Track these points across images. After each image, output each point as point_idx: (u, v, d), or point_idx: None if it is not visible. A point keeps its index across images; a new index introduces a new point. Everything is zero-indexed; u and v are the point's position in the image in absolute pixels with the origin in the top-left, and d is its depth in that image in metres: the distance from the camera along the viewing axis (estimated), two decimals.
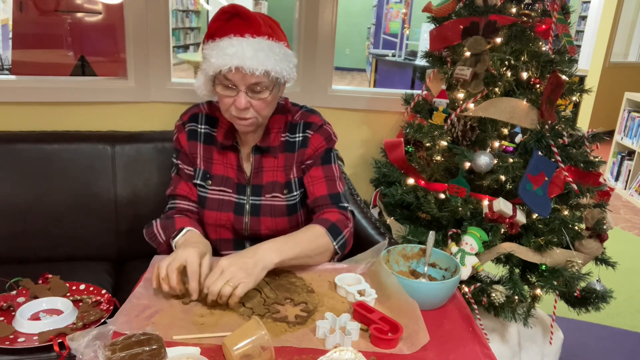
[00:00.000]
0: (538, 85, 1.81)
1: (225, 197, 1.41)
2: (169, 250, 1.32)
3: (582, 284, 1.85)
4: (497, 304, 1.71)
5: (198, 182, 1.42)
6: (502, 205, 1.65)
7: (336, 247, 1.32)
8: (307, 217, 1.48)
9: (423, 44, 6.07)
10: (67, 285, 1.53)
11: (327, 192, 1.39)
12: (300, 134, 1.41)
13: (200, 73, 1.30)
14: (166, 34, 1.99)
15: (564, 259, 1.74)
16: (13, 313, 1.37)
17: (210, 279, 1.09)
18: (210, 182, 1.41)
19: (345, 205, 1.41)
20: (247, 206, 1.40)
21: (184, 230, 1.29)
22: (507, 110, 1.72)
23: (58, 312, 1.38)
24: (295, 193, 1.42)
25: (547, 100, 1.70)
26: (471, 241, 1.61)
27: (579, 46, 7.01)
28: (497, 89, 1.79)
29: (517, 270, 1.79)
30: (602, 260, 1.87)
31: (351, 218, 1.40)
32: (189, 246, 1.17)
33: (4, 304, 1.40)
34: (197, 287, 1.12)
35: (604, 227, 1.81)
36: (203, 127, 1.43)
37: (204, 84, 1.30)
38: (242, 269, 1.11)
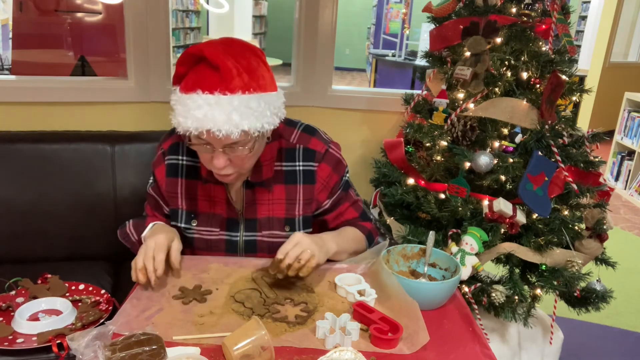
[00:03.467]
0: (538, 85, 1.80)
1: (214, 237, 1.30)
2: None
3: (582, 284, 1.85)
4: (497, 304, 1.71)
5: (182, 225, 1.30)
6: (502, 205, 1.65)
7: None
8: None
9: (423, 44, 6.07)
10: (67, 285, 1.52)
11: (358, 214, 1.41)
12: (301, 164, 1.28)
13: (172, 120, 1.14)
14: (166, 34, 1.99)
15: (564, 259, 1.74)
16: (12, 313, 1.36)
17: (287, 246, 1.13)
18: (196, 222, 1.30)
19: (372, 217, 1.48)
20: (241, 243, 1.31)
21: (150, 225, 1.29)
22: (507, 110, 1.72)
23: (57, 313, 1.38)
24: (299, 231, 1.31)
25: (547, 100, 1.70)
26: (471, 241, 1.61)
27: (579, 46, 7.01)
28: (497, 89, 1.79)
29: (517, 270, 1.79)
30: (602, 260, 1.87)
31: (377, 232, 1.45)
32: (156, 234, 1.18)
33: (3, 305, 1.40)
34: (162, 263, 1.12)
35: (604, 227, 1.81)
36: (185, 158, 1.29)
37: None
38: (315, 243, 1.15)
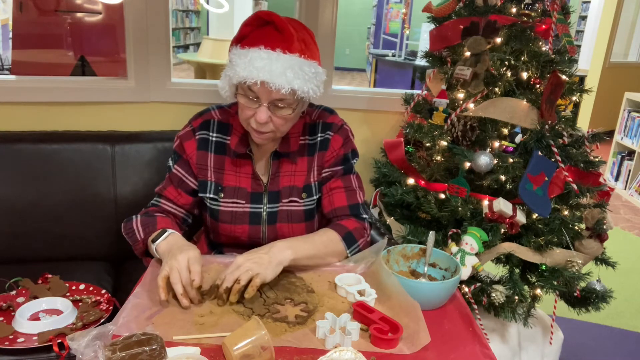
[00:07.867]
0: (538, 85, 1.81)
1: (239, 209, 1.36)
2: (145, 249, 1.30)
3: (582, 284, 1.85)
4: (497, 304, 1.71)
5: (210, 195, 1.36)
6: (502, 205, 1.65)
7: (349, 255, 1.33)
8: (322, 226, 1.43)
9: (423, 44, 6.08)
10: (67, 285, 1.53)
11: (347, 202, 1.38)
12: (320, 135, 1.38)
13: (224, 76, 1.25)
14: (166, 34, 1.99)
15: (564, 259, 1.74)
16: (13, 313, 1.37)
17: (224, 273, 1.13)
18: (222, 194, 1.36)
19: (364, 216, 1.40)
20: (264, 215, 1.36)
21: (166, 234, 1.23)
22: (507, 110, 1.72)
23: (58, 312, 1.38)
24: (314, 197, 1.39)
25: (547, 100, 1.70)
26: (471, 241, 1.61)
27: (579, 46, 7.01)
28: (497, 89, 1.79)
29: (517, 270, 1.79)
30: (602, 260, 1.87)
31: (368, 228, 1.39)
32: (184, 250, 1.15)
33: (4, 304, 1.41)
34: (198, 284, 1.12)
35: (604, 227, 1.81)
36: (215, 135, 1.37)
37: (229, 88, 1.26)
38: (258, 263, 1.14)
